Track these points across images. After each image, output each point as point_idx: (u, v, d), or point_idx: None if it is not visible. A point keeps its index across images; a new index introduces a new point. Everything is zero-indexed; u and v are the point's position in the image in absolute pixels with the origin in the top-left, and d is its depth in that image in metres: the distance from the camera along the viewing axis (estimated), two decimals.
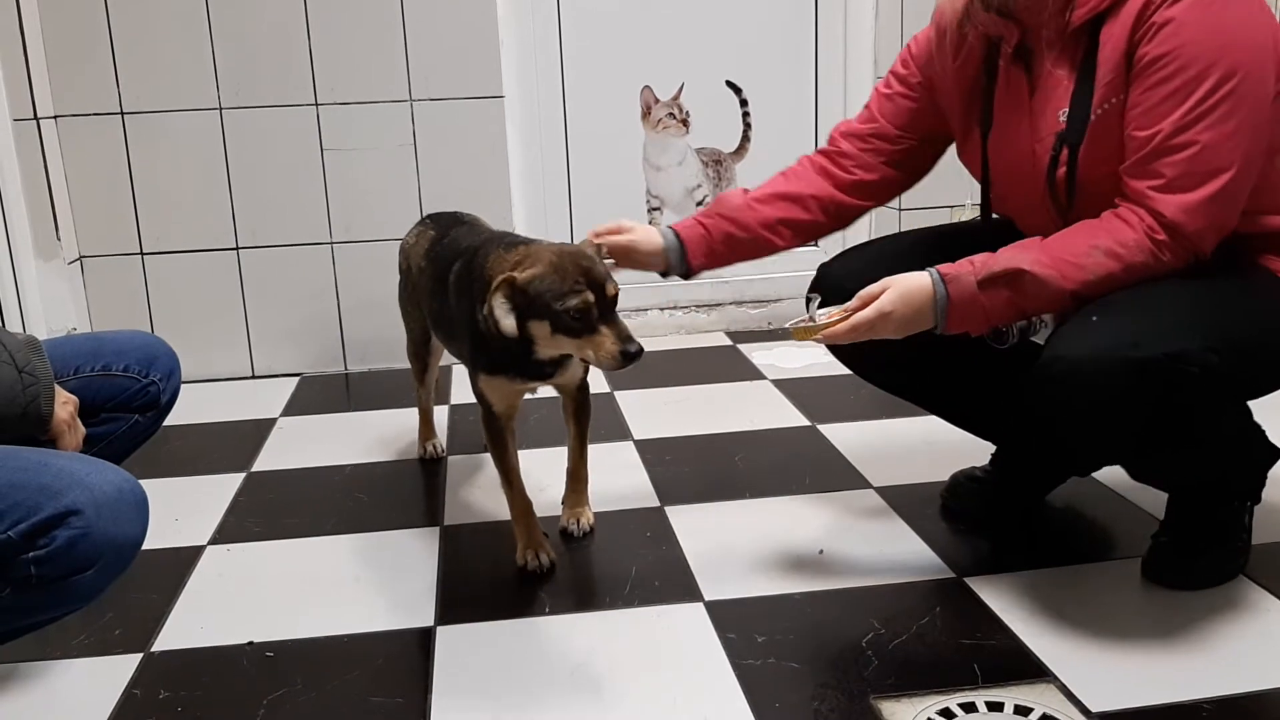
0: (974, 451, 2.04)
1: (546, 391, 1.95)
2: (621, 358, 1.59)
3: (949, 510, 2.00)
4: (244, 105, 2.91)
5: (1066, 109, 1.57)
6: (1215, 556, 1.70)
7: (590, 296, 1.59)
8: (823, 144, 1.94)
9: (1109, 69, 1.53)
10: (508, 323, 1.61)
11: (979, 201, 1.82)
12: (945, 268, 1.55)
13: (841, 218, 1.90)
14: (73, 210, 2.92)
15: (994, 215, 1.81)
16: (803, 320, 1.62)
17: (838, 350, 1.90)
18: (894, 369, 1.90)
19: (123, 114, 2.88)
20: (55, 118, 2.86)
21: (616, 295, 1.63)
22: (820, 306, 1.63)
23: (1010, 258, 1.52)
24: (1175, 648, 1.54)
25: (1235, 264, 1.56)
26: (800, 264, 3.38)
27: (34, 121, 2.75)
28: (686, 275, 1.88)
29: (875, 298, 1.55)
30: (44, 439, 1.41)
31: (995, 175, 1.75)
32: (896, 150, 1.87)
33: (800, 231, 1.88)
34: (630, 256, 1.87)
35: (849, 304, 1.59)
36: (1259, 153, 1.50)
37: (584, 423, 1.95)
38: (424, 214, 2.32)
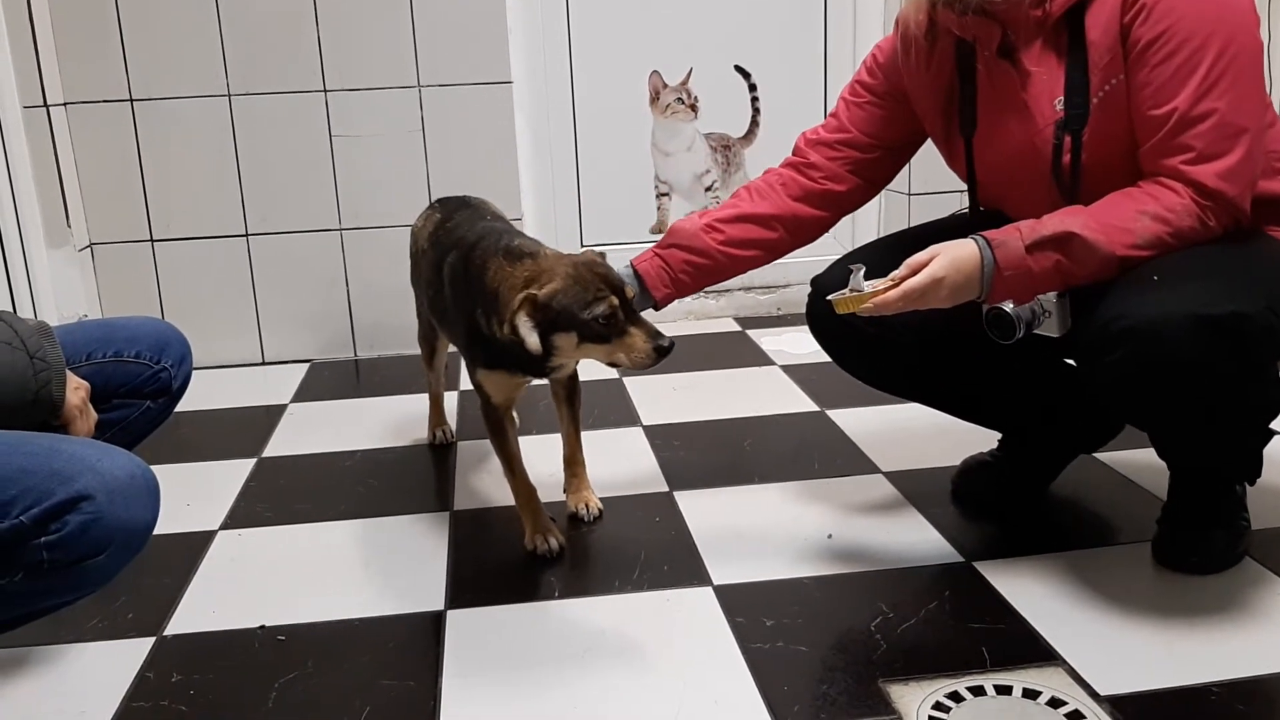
0: (983, 436, 2.04)
1: (542, 380, 1.95)
2: (655, 353, 1.61)
3: (959, 495, 2.00)
4: (252, 92, 2.92)
5: (1062, 97, 1.58)
6: (1219, 537, 1.70)
7: (615, 300, 1.60)
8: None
9: (1103, 51, 1.54)
10: (532, 340, 1.61)
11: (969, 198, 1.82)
12: (991, 233, 1.54)
13: (803, 233, 1.89)
14: (83, 197, 2.93)
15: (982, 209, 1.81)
16: (847, 292, 1.57)
17: (843, 354, 1.91)
18: (898, 368, 1.89)
19: (132, 101, 2.89)
20: (65, 105, 2.86)
21: (634, 296, 1.65)
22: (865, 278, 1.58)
23: (1059, 222, 1.52)
24: (1183, 631, 1.54)
25: (1240, 231, 1.57)
26: (810, 250, 3.37)
27: (44, 109, 2.76)
28: (657, 307, 1.86)
29: (924, 265, 1.53)
30: (56, 425, 1.41)
31: (986, 175, 1.75)
32: (867, 159, 1.86)
33: (769, 250, 1.87)
34: None
35: (896, 272, 1.56)
36: (1264, 109, 1.54)
37: (575, 406, 1.96)
38: (432, 200, 2.32)
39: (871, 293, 1.55)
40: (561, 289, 1.61)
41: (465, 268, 1.78)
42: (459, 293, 1.80)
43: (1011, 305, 1.56)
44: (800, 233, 1.88)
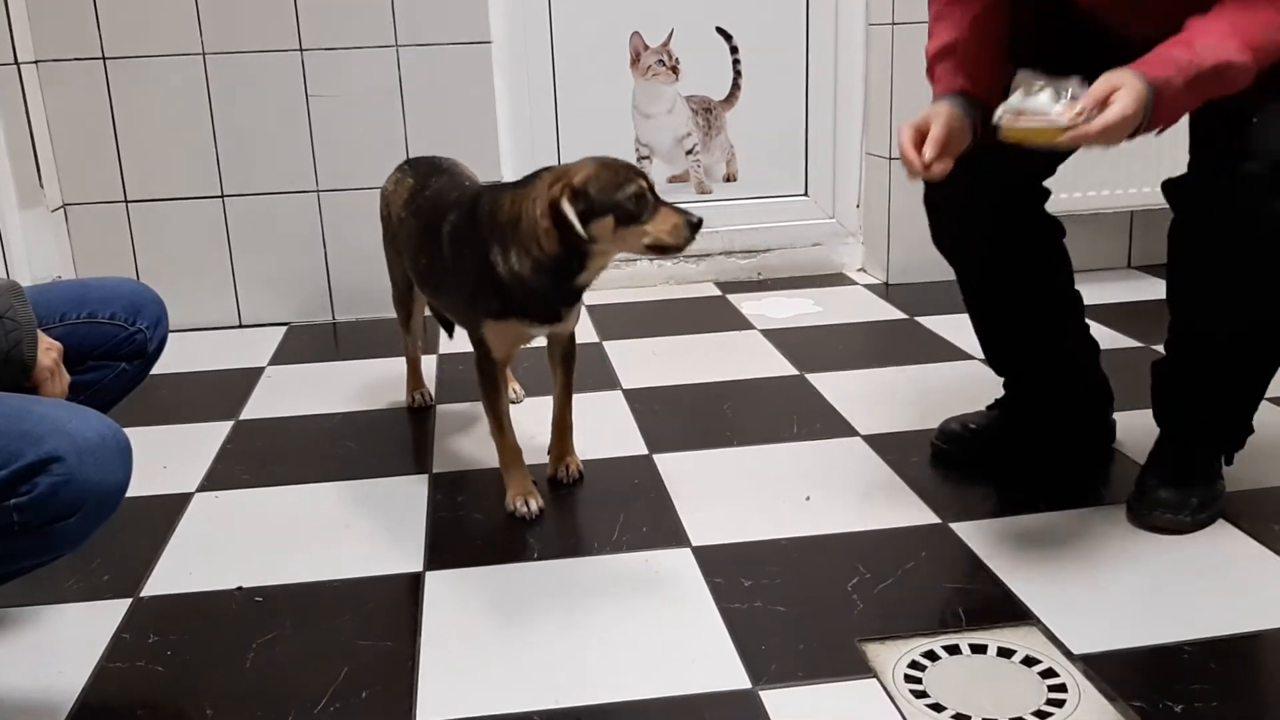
0: (959, 401, 2.05)
1: (536, 341, 1.94)
2: (689, 228, 1.67)
3: (939, 455, 2.00)
4: (227, 50, 2.87)
5: None
6: (1195, 497, 1.72)
7: (644, 183, 1.68)
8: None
9: None
10: (579, 225, 1.65)
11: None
12: (1148, 69, 1.47)
13: None
14: (55, 157, 2.89)
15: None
16: (1032, 115, 1.47)
17: (956, 230, 1.87)
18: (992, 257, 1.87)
19: (104, 59, 2.84)
20: (36, 63, 2.81)
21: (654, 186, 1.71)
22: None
23: (1214, 50, 1.46)
24: (1157, 591, 1.56)
25: None
26: (791, 214, 3.37)
27: (14, 67, 2.72)
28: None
29: (1107, 97, 1.45)
30: (27, 386, 1.40)
31: None
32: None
33: None
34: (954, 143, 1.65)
35: (1081, 103, 1.46)
36: None
37: (570, 369, 1.96)
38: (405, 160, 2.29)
39: (1068, 125, 1.45)
40: (594, 175, 1.67)
41: (473, 218, 1.79)
42: (466, 246, 1.79)
43: None
44: None
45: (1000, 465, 1.97)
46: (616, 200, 1.65)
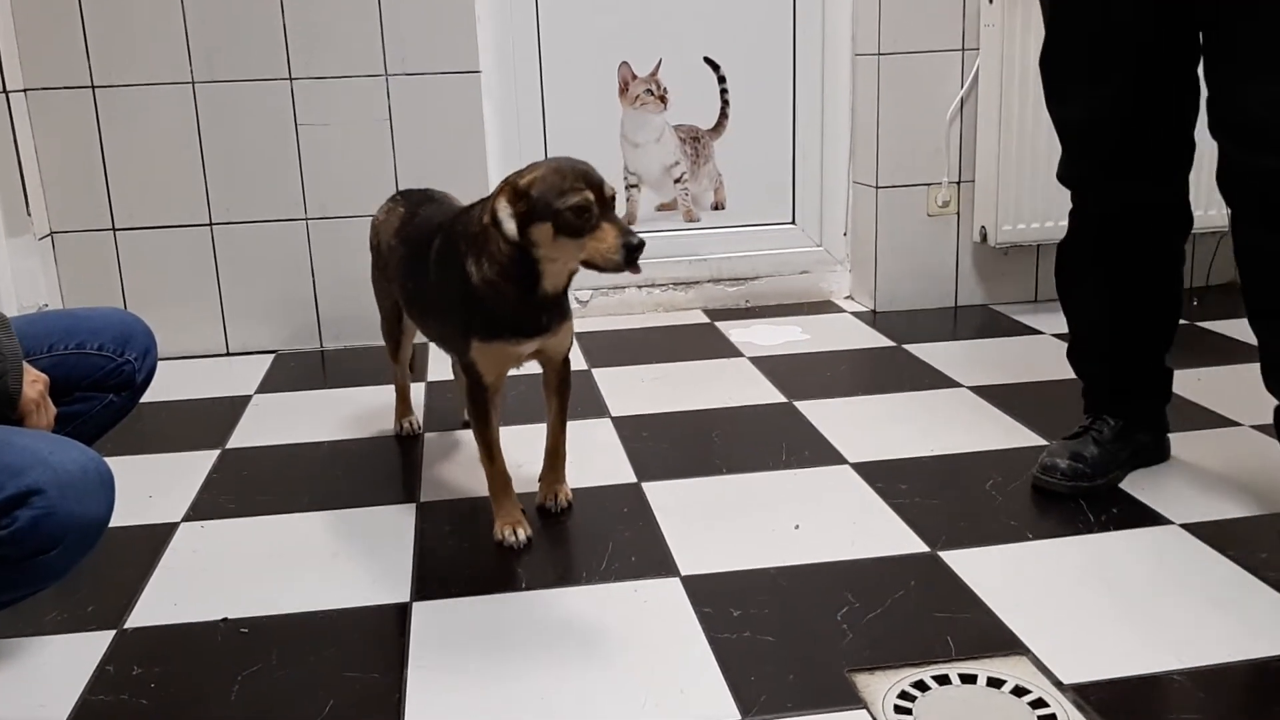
0: (947, 429, 2.05)
1: (527, 369, 1.94)
2: (625, 251, 1.60)
3: (1052, 490, 1.96)
4: (217, 79, 2.88)
5: None
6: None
7: (589, 194, 1.62)
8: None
9: None
10: (509, 226, 1.64)
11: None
12: None
13: None
14: (43, 185, 2.89)
15: None
16: None
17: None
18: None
19: (93, 87, 2.85)
20: (25, 91, 2.82)
21: (614, 197, 1.66)
22: None
23: None
24: (1147, 620, 1.56)
25: None
26: (778, 243, 3.39)
27: (3, 95, 2.72)
28: None
29: None
30: (13, 418, 1.39)
31: None
32: None
33: None
34: None
35: None
36: None
37: (565, 397, 1.95)
38: (398, 191, 2.30)
39: None
40: (540, 178, 1.65)
41: (450, 237, 1.80)
42: (448, 263, 1.79)
43: None
44: None
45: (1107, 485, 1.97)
46: (556, 208, 1.62)
